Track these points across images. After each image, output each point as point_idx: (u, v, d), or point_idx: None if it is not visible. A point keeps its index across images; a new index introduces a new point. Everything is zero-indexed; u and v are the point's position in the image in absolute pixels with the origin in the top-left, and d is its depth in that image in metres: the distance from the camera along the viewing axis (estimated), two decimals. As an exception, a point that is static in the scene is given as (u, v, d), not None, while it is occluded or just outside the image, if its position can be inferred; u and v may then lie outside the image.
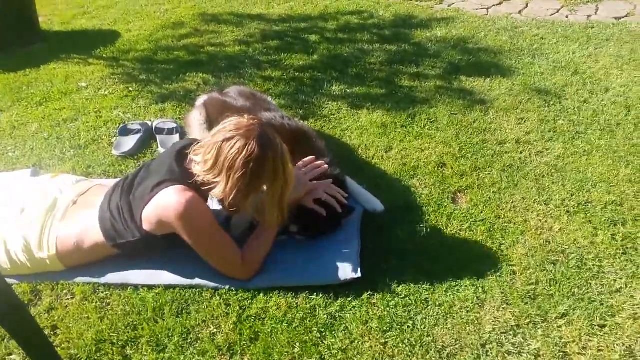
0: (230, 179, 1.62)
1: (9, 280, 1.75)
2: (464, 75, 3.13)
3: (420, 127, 2.66)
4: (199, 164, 1.69)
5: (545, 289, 1.75)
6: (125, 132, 2.64)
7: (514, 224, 2.02)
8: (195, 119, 2.41)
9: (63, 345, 1.64)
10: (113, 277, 1.85)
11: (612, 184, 2.20)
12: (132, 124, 2.70)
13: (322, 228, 1.94)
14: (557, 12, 4.04)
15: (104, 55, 3.58)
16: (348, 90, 3.03)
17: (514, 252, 1.90)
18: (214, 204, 2.09)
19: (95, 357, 1.61)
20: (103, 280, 1.84)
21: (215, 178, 1.65)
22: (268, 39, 3.76)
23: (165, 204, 1.67)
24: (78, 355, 1.62)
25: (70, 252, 1.83)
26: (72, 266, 1.86)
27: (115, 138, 2.64)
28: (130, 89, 3.13)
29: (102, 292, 1.82)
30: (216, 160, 1.63)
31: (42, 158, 2.54)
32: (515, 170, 2.31)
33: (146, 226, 1.73)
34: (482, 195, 2.17)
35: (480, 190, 2.20)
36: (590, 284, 1.76)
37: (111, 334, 1.67)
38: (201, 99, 2.73)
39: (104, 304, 1.78)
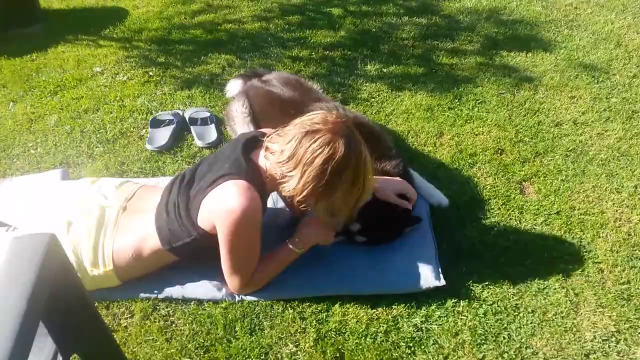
0: (305, 175, 1.45)
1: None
2: (503, 50, 2.98)
3: (469, 108, 2.52)
4: (273, 153, 1.54)
5: (638, 288, 1.67)
6: (156, 123, 2.46)
7: (591, 215, 1.93)
8: (239, 111, 2.23)
9: (131, 370, 1.53)
10: (171, 291, 1.73)
11: (682, 168, 2.11)
12: (162, 114, 2.51)
13: (386, 230, 1.82)
14: (587, -23, 3.85)
15: (115, 36, 3.33)
16: (384, 70, 2.85)
17: (597, 247, 1.81)
18: (278, 203, 1.96)
19: (170, 384, 1.51)
20: (162, 295, 1.72)
21: (289, 172, 1.49)
22: (288, 13, 3.53)
23: (225, 198, 1.52)
24: (150, 383, 1.51)
25: (128, 265, 1.68)
26: (129, 279, 1.72)
27: (145, 130, 2.46)
28: (151, 73, 2.91)
29: (164, 309, 1.69)
30: (294, 152, 1.46)
31: (69, 155, 2.35)
32: (578, 155, 2.21)
33: (201, 222, 1.58)
34: (550, 184, 2.07)
35: (546, 179, 2.09)
36: (684, 281, 1.69)
37: (181, 356, 1.55)
38: (235, 85, 2.55)
39: (168, 323, 1.65)
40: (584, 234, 1.86)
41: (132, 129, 2.50)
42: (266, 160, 1.58)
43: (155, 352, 1.57)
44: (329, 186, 1.47)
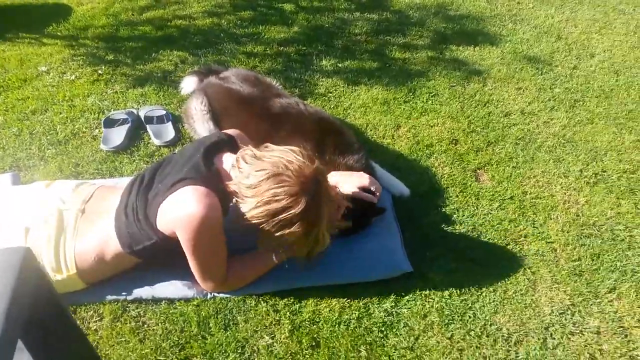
0: (258, 209, 1.47)
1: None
2: (452, 44, 3.09)
3: (423, 101, 2.61)
4: (241, 172, 1.53)
5: (588, 264, 1.80)
6: (110, 123, 2.39)
7: (542, 199, 2.05)
8: (198, 109, 2.21)
9: (104, 374, 1.50)
10: (140, 292, 1.70)
11: (621, 152, 2.28)
12: (115, 113, 2.44)
13: (358, 221, 1.86)
14: (524, -27, 4.05)
15: (59, 34, 3.19)
16: (339, 65, 2.90)
17: (549, 228, 1.93)
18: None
19: (145, 384, 1.49)
20: (132, 296, 1.69)
21: (245, 196, 1.50)
22: (239, 9, 3.50)
23: (183, 204, 1.49)
24: (124, 384, 1.48)
25: (91, 268, 1.63)
26: (94, 282, 1.68)
27: (99, 130, 2.38)
28: (100, 71, 2.82)
29: (134, 310, 1.66)
30: (257, 185, 1.47)
31: (18, 158, 2.25)
32: (527, 143, 2.34)
33: (161, 227, 1.56)
34: (502, 171, 2.18)
35: (499, 166, 2.21)
36: (628, 255, 1.83)
37: (158, 357, 1.54)
38: (190, 82, 2.52)
39: (140, 323, 1.63)
40: (536, 216, 1.98)
41: (84, 130, 2.42)
42: (232, 170, 1.58)
43: (129, 353, 1.54)
44: (276, 228, 1.48)
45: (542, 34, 3.20)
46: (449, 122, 2.46)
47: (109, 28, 3.28)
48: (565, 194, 2.08)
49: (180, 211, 1.49)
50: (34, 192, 1.82)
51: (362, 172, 1.86)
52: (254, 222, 1.49)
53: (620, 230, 1.92)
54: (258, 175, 1.47)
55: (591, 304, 1.67)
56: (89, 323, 1.63)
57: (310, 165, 1.48)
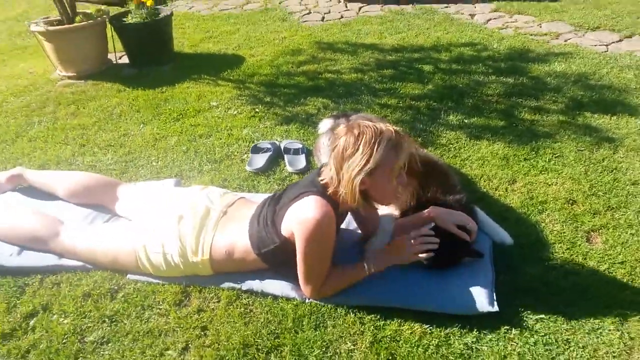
0: (344, 174, 1.71)
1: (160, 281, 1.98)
2: (587, 112, 3.07)
3: (545, 161, 2.63)
4: (327, 184, 1.81)
5: (697, 343, 1.67)
6: (256, 150, 2.84)
7: (657, 269, 1.95)
8: (324, 145, 2.55)
9: (213, 346, 1.77)
10: (252, 284, 2.00)
11: None
12: (262, 142, 2.90)
13: (449, 254, 1.97)
14: (686, 50, 3.85)
15: (231, 78, 3.86)
16: (466, 121, 3.06)
17: (660, 300, 1.83)
18: (350, 225, 2.20)
19: (242, 360, 1.74)
20: (245, 286, 1.99)
21: (338, 186, 1.76)
22: (382, 67, 3.88)
23: (303, 209, 1.78)
24: (227, 357, 1.74)
25: (221, 259, 1.99)
26: (219, 272, 2.03)
27: (247, 155, 2.84)
28: (257, 110, 3.35)
29: (245, 299, 1.96)
30: (333, 167, 1.75)
31: (183, 169, 2.78)
32: (653, 213, 2.24)
33: (284, 230, 1.85)
34: (618, 236, 2.12)
35: (616, 231, 2.15)
36: None
37: (256, 340, 1.79)
38: (326, 124, 2.88)
39: (248, 310, 1.91)
40: (649, 285, 1.89)
41: (236, 153, 2.90)
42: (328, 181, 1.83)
43: (235, 331, 1.83)
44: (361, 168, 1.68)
45: (692, 109, 3.01)
46: (569, 183, 2.45)
47: (271, 76, 3.87)
48: (687, 267, 1.95)
49: (301, 215, 1.78)
50: (192, 191, 2.28)
51: (460, 212, 1.98)
52: (351, 193, 1.72)
53: None
54: (333, 167, 1.76)
55: (693, 381, 1.56)
56: (209, 302, 1.96)
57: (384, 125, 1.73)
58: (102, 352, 1.79)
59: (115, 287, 2.04)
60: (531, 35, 4.35)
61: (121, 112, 3.48)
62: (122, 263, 2.08)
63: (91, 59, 4.07)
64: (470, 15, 4.98)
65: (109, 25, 4.12)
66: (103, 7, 4.37)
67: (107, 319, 1.90)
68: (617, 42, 4.12)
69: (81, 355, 1.78)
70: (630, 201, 2.31)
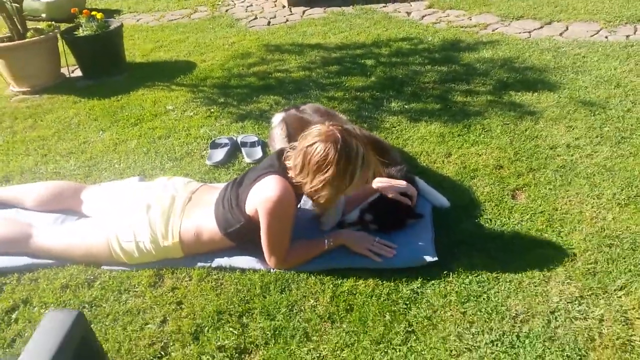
0: (315, 178, 1.94)
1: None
2: (512, 91, 3.42)
3: (476, 135, 2.95)
4: (290, 169, 2.03)
5: (603, 266, 1.99)
6: (214, 145, 3.03)
7: (571, 215, 2.27)
8: (277, 134, 2.78)
9: (189, 317, 1.96)
10: (221, 261, 2.19)
11: (659, 180, 2.43)
12: (220, 138, 3.09)
13: (394, 219, 2.24)
14: (597, 33, 4.29)
15: (185, 82, 4.03)
16: (406, 106, 3.35)
17: (573, 237, 2.14)
18: (307, 204, 2.43)
19: (218, 325, 1.92)
20: (214, 264, 2.18)
21: (303, 179, 1.98)
22: (328, 64, 4.15)
23: (265, 188, 2.00)
24: (203, 324, 1.92)
25: (191, 241, 2.18)
26: (190, 253, 2.21)
27: (206, 151, 3.03)
28: (212, 110, 3.54)
29: (215, 275, 2.15)
30: (302, 163, 1.96)
31: (145, 168, 2.94)
32: (567, 170, 2.57)
33: (248, 210, 2.06)
34: (538, 192, 2.43)
35: (536, 188, 2.46)
36: (645, 261, 1.99)
37: (228, 307, 1.99)
38: (279, 116, 3.10)
39: (218, 284, 2.11)
40: (562, 228, 2.20)
41: (195, 151, 3.08)
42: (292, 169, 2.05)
43: (208, 302, 2.01)
44: (335, 179, 1.93)
45: (601, 82, 3.40)
46: (497, 152, 2.76)
47: (223, 79, 4.06)
48: (594, 211, 2.28)
49: (263, 194, 2.00)
50: (157, 182, 2.45)
51: (402, 180, 2.25)
52: (317, 192, 1.96)
53: (643, 242, 2.08)
54: (299, 159, 1.97)
55: (599, 298, 1.86)
56: (181, 281, 2.13)
57: (326, 125, 1.96)
58: (85, 334, 1.94)
59: (92, 277, 2.19)
60: (462, 27, 4.72)
61: (79, 121, 3.59)
62: (96, 255, 2.22)
63: (44, 74, 4.15)
64: (406, 12, 5.33)
65: (60, 40, 4.21)
66: (52, 22, 4.45)
67: (86, 305, 2.05)
68: (538, 28, 4.54)
69: (65, 337, 1.93)
70: (548, 162, 2.64)
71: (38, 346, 0.87)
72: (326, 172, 1.91)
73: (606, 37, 4.18)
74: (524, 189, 2.47)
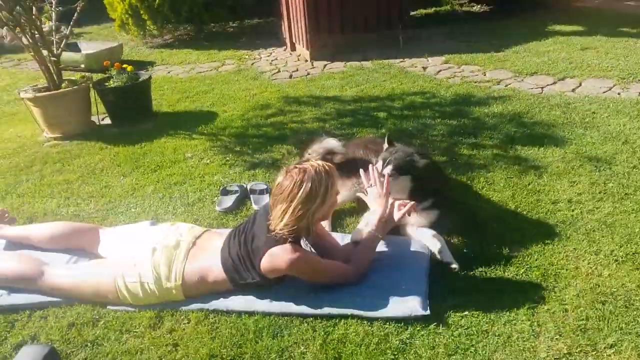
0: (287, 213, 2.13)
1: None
2: (519, 145, 3.47)
3: (478, 188, 2.99)
4: (276, 227, 2.16)
5: (594, 323, 1.97)
6: (225, 192, 3.17)
7: (566, 270, 2.27)
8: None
9: (183, 359, 2.03)
10: (218, 304, 2.27)
11: (660, 238, 2.41)
12: (230, 185, 3.23)
13: None
14: (610, 89, 4.33)
15: (205, 132, 4.25)
16: (413, 159, 3.44)
17: (566, 293, 2.14)
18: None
19: (209, 368, 1.99)
20: (211, 306, 2.26)
21: (276, 224, 2.15)
22: (342, 116, 4.31)
23: (275, 258, 2.16)
24: (195, 366, 2.00)
25: (192, 285, 2.28)
26: (191, 296, 2.30)
27: (217, 197, 3.16)
28: (227, 158, 3.71)
29: (212, 318, 2.22)
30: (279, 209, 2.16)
31: (158, 213, 3.09)
32: (567, 225, 2.57)
33: (264, 273, 2.20)
34: (536, 246, 2.45)
35: (534, 243, 2.47)
36: (638, 320, 1.97)
37: (221, 351, 2.05)
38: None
39: (214, 327, 2.17)
40: (557, 283, 2.20)
41: (207, 197, 3.22)
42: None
43: (202, 345, 2.08)
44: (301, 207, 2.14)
45: (609, 138, 3.43)
46: (498, 205, 2.80)
47: (241, 128, 4.26)
48: (590, 267, 2.27)
49: (279, 264, 2.16)
50: (163, 227, 2.58)
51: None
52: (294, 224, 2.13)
53: (637, 300, 2.06)
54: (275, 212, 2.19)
55: (588, 356, 1.84)
56: (180, 324, 2.21)
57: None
58: (85, 371, 2.03)
59: (97, 317, 2.29)
60: (475, 82, 4.85)
61: (103, 167, 3.80)
62: (103, 294, 2.33)
63: (76, 121, 4.44)
64: (422, 67, 5.51)
65: (92, 90, 4.53)
66: (87, 74, 4.79)
67: (89, 343, 2.15)
68: (551, 84, 4.62)
69: (66, 374, 2.02)
70: (549, 217, 2.66)
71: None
72: (284, 203, 2.14)
73: (618, 94, 4.22)
74: (521, 242, 2.49)
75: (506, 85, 4.70)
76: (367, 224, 2.40)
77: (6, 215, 2.95)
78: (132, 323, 2.23)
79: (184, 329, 2.18)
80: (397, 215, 2.39)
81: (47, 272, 2.41)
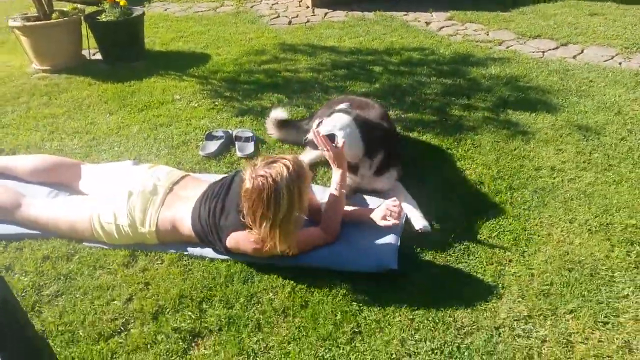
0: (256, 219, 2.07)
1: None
2: (510, 109, 3.42)
3: (464, 150, 2.97)
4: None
5: (558, 289, 2.01)
6: (210, 137, 3.14)
7: (538, 236, 2.29)
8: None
9: (153, 297, 2.06)
10: (194, 250, 2.29)
11: (635, 211, 2.41)
12: (216, 131, 3.19)
13: None
14: (611, 58, 4.23)
15: (196, 74, 4.16)
16: (402, 115, 3.40)
17: (535, 258, 2.17)
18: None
19: (178, 308, 2.02)
20: (187, 252, 2.29)
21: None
22: (337, 68, 4.21)
23: (240, 242, 2.15)
24: (165, 306, 2.02)
25: (166, 232, 2.30)
26: (164, 242, 2.32)
27: (201, 142, 3.13)
28: (216, 103, 3.65)
29: (185, 261, 2.25)
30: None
31: (142, 154, 3.07)
32: (546, 192, 2.57)
33: (230, 250, 2.20)
34: (512, 210, 2.45)
35: (511, 207, 2.48)
36: (600, 289, 2.00)
37: (191, 292, 2.08)
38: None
39: (187, 269, 2.21)
40: (527, 248, 2.22)
41: (192, 141, 3.19)
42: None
43: (173, 286, 2.11)
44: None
45: (602, 108, 3.37)
46: (480, 169, 2.78)
47: (233, 73, 4.17)
48: (562, 235, 2.29)
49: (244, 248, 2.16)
50: (141, 169, 2.57)
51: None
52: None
53: (603, 269, 2.08)
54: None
55: (547, 319, 1.88)
56: (153, 264, 2.24)
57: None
58: (56, 303, 2.06)
59: (72, 251, 2.32)
60: (477, 42, 4.72)
61: (90, 103, 3.75)
62: (79, 231, 2.35)
63: (66, 54, 4.35)
64: (425, 22, 5.35)
65: (83, 23, 4.40)
66: (79, 5, 4.65)
67: (62, 277, 2.18)
68: (553, 49, 4.50)
69: (37, 305, 2.05)
70: (529, 183, 2.66)
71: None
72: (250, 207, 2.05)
73: (620, 64, 4.12)
74: (498, 206, 2.50)
75: (507, 47, 4.58)
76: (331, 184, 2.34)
77: (-10, 146, 2.94)
78: (106, 260, 2.26)
79: (156, 269, 2.21)
80: (383, 223, 2.23)
81: (25, 204, 2.42)
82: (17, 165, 2.74)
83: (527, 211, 2.45)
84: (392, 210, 2.21)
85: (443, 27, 5.21)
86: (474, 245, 2.26)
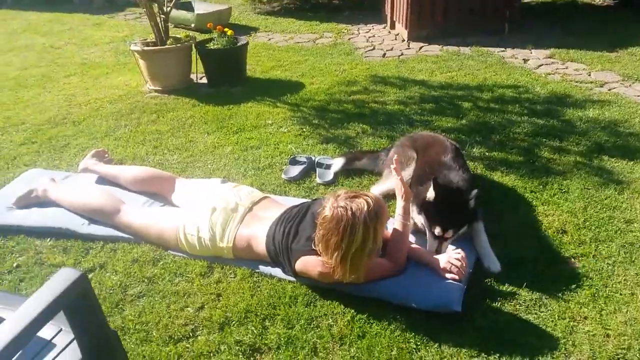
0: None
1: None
2: (606, 155, 3.22)
3: (550, 195, 2.84)
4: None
5: (635, 355, 1.85)
6: (294, 162, 3.30)
7: (620, 294, 2.13)
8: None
9: (222, 308, 2.20)
10: (264, 269, 2.42)
11: None
12: (300, 156, 3.35)
13: None
14: None
15: (289, 101, 4.39)
16: (487, 154, 3.33)
17: (613, 318, 2.02)
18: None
19: (243, 322, 2.13)
20: (257, 270, 2.41)
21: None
22: (425, 101, 4.23)
23: (308, 266, 2.23)
24: (231, 317, 2.15)
25: (242, 249, 2.45)
26: (239, 258, 2.47)
27: (285, 166, 3.30)
28: (304, 129, 3.83)
29: (256, 277, 2.37)
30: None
31: (231, 173, 3.29)
32: (635, 249, 2.39)
33: (298, 273, 2.29)
34: (595, 264, 2.31)
35: (594, 260, 2.34)
36: (686, 362, 1.82)
37: (257, 308, 2.19)
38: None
39: (256, 286, 2.33)
40: (606, 306, 2.08)
41: (277, 164, 3.37)
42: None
43: (242, 300, 2.24)
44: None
45: None
46: (565, 216, 2.65)
47: (323, 102, 4.35)
48: (649, 296, 2.11)
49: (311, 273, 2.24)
50: (226, 188, 2.76)
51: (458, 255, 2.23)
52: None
53: (692, 341, 1.90)
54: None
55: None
56: (227, 277, 2.40)
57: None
58: (137, 303, 2.27)
59: (158, 257, 2.54)
60: (576, 82, 4.50)
61: (192, 123, 4.09)
62: (166, 239, 2.58)
63: (176, 77, 4.79)
64: (523, 59, 5.20)
65: (194, 50, 4.83)
66: (191, 33, 5.10)
67: (146, 280, 2.40)
68: (664, 94, 4.18)
69: (121, 303, 2.28)
70: (617, 236, 2.48)
71: (43, 288, 1.09)
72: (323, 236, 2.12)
73: None
74: (580, 258, 2.36)
75: (609, 89, 4.32)
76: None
77: (106, 155, 3.32)
78: (186, 268, 2.45)
79: (229, 282, 2.36)
80: (443, 274, 2.21)
81: (124, 210, 2.70)
82: (122, 174, 3.07)
83: (611, 266, 2.29)
84: (454, 264, 2.19)
85: (542, 65, 5.04)
86: (547, 296, 2.15)
